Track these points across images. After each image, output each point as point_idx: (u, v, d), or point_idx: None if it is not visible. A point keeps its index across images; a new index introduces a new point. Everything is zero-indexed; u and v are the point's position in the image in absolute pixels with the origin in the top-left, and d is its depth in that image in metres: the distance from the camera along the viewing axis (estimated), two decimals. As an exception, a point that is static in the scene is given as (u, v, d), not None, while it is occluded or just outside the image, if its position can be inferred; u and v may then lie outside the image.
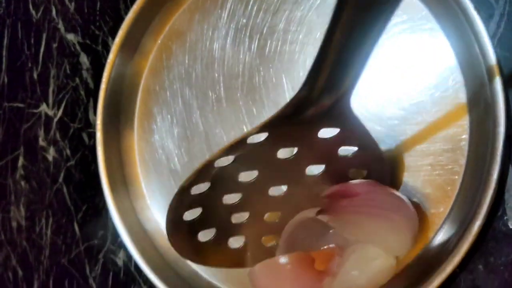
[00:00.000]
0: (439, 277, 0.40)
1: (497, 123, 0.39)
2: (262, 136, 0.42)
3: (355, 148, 0.43)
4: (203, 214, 0.45)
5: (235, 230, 0.47)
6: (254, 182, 0.44)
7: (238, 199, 0.45)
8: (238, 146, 0.42)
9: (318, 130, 0.42)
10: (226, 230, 0.46)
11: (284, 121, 0.41)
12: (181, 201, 0.43)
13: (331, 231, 0.45)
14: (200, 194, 0.44)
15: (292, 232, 0.47)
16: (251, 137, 0.42)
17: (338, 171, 0.44)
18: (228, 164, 0.43)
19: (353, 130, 0.43)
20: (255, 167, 0.44)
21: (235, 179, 0.44)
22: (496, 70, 0.39)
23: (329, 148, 0.43)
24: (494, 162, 0.39)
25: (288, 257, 0.44)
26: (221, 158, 0.43)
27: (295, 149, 0.43)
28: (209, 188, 0.44)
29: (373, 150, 0.43)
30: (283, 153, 0.44)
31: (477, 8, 0.40)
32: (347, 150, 0.44)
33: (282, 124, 0.41)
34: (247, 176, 0.44)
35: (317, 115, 0.41)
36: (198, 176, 0.43)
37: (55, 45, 0.63)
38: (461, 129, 0.43)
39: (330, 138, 0.42)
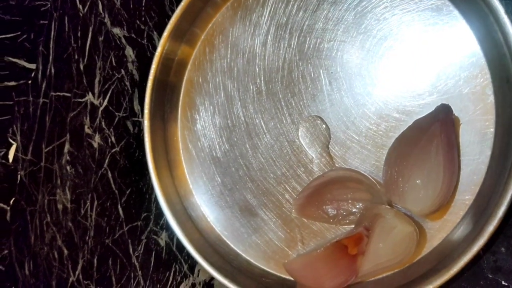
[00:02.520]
0: (465, 258, 0.42)
1: None
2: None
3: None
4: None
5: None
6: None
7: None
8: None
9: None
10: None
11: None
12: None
13: (352, 208, 0.48)
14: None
15: (318, 185, 0.50)
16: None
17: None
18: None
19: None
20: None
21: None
22: None
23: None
24: None
25: (323, 249, 0.47)
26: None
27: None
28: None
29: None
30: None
31: (508, 12, 0.43)
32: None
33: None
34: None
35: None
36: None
37: (101, 39, 0.64)
38: (488, 122, 0.45)
39: None
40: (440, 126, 0.43)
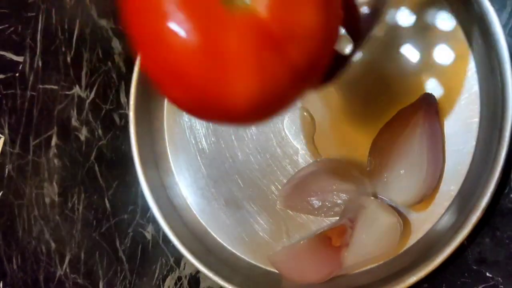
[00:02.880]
0: (449, 249, 0.42)
1: (506, 108, 0.40)
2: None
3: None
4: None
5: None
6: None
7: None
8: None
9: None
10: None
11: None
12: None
13: (337, 199, 0.48)
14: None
15: (302, 177, 0.50)
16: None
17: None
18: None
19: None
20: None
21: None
22: (506, 57, 0.41)
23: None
24: (502, 144, 0.41)
25: (306, 241, 0.47)
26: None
27: None
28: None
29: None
30: None
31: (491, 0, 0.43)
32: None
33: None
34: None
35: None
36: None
37: (88, 31, 0.64)
38: (473, 113, 0.45)
39: None
40: (423, 115, 0.43)
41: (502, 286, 0.44)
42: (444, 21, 0.47)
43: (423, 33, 0.48)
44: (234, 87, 0.26)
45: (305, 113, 0.51)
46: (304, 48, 0.26)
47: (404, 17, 0.49)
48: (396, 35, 0.49)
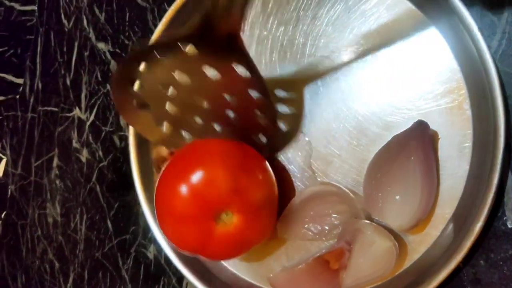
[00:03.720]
0: (445, 271, 0.43)
1: (498, 133, 0.41)
2: (189, 46, 0.45)
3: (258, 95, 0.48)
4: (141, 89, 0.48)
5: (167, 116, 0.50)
6: (185, 84, 0.47)
7: (171, 92, 0.48)
8: (171, 45, 0.45)
9: (231, 61, 0.45)
10: (162, 112, 0.50)
11: (202, 35, 0.43)
12: (127, 69, 0.46)
13: (335, 221, 0.49)
14: (141, 71, 0.46)
15: (300, 203, 0.51)
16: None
17: (245, 110, 0.49)
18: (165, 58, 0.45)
19: (259, 79, 0.46)
20: (186, 72, 0.47)
21: (169, 73, 0.46)
22: (496, 84, 0.42)
23: (240, 83, 0.46)
24: (494, 168, 0.41)
25: (305, 264, 0.48)
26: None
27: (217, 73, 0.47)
28: (147, 68, 0.46)
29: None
30: (208, 71, 0.46)
31: (481, 29, 0.43)
32: (254, 93, 0.48)
33: (204, 40, 0.43)
34: (178, 75, 0.47)
35: (222, 42, 0.43)
36: (139, 54, 0.46)
37: (86, 53, 0.65)
38: (465, 138, 0.45)
39: (243, 76, 0.46)
40: (417, 142, 0.44)
41: None
42: (436, 46, 0.48)
43: (414, 59, 0.49)
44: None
45: (301, 136, 0.52)
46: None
47: (395, 45, 0.50)
48: (387, 62, 0.50)
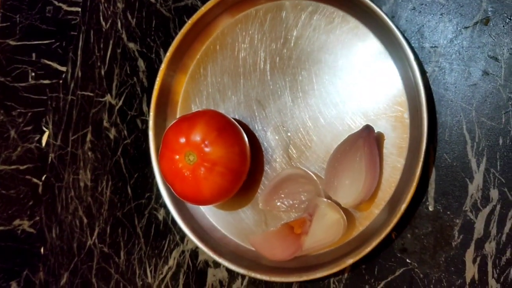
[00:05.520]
0: (378, 239, 0.51)
1: (423, 138, 0.51)
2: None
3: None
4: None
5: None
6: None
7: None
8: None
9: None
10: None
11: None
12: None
13: (303, 197, 0.58)
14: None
15: (277, 182, 0.58)
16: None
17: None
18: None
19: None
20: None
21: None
22: (424, 101, 0.51)
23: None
24: (419, 164, 0.50)
25: (276, 229, 0.56)
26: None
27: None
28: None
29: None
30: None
31: (418, 59, 0.53)
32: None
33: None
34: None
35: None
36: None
37: (119, 51, 0.72)
38: (403, 140, 0.54)
39: None
40: (363, 141, 0.53)
41: (417, 270, 0.53)
42: (389, 71, 0.57)
43: (370, 78, 0.58)
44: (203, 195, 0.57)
45: (283, 130, 0.61)
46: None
47: (356, 68, 0.59)
48: (350, 78, 0.59)
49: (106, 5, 0.72)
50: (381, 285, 0.55)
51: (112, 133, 0.71)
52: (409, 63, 0.54)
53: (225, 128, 0.57)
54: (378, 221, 0.55)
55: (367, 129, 0.55)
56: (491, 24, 0.52)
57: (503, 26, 0.52)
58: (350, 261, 0.53)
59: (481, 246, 0.52)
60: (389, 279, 0.55)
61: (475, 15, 0.53)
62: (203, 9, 0.62)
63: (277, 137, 0.62)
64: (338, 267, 0.54)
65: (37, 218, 0.75)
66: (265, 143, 0.62)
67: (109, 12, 0.72)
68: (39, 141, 0.76)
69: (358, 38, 0.59)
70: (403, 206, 0.52)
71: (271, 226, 0.60)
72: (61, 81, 0.75)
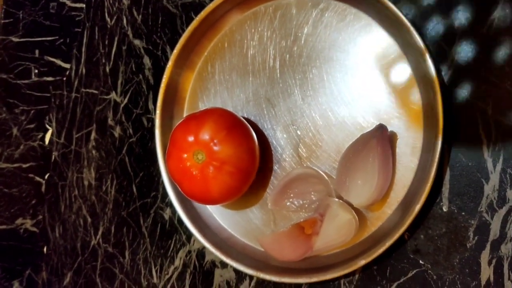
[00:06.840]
0: (391, 240, 0.51)
1: (438, 138, 0.50)
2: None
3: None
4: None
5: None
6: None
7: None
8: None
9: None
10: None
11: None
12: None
13: (314, 197, 0.58)
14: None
15: (287, 182, 0.58)
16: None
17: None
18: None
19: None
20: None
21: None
22: (439, 101, 0.51)
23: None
24: (434, 164, 0.50)
25: (286, 229, 0.55)
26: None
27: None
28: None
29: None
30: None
31: (434, 57, 0.52)
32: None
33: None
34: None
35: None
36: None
37: (124, 47, 0.71)
38: (417, 140, 0.54)
39: None
40: (376, 141, 0.53)
41: (430, 271, 0.53)
42: (404, 72, 0.56)
43: (387, 80, 0.57)
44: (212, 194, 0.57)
45: (292, 128, 0.61)
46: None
47: (372, 70, 0.58)
48: (363, 79, 0.59)
49: (111, 1, 0.72)
50: (393, 286, 0.55)
51: (117, 131, 0.70)
52: (424, 61, 0.53)
53: (234, 126, 0.56)
54: (390, 222, 0.55)
55: (381, 128, 0.54)
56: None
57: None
58: (362, 262, 0.53)
59: (497, 247, 0.51)
60: (401, 280, 0.54)
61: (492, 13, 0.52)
62: (211, 6, 0.61)
63: (286, 136, 0.61)
64: (350, 268, 0.53)
65: (40, 217, 0.75)
66: (274, 142, 0.62)
67: (114, 8, 0.71)
68: (42, 139, 0.76)
69: (371, 35, 0.58)
70: (417, 207, 0.51)
71: (280, 226, 0.60)
72: (64, 78, 0.75)
